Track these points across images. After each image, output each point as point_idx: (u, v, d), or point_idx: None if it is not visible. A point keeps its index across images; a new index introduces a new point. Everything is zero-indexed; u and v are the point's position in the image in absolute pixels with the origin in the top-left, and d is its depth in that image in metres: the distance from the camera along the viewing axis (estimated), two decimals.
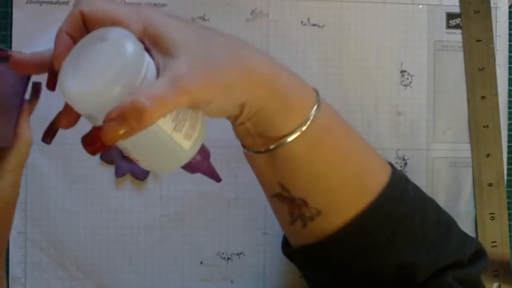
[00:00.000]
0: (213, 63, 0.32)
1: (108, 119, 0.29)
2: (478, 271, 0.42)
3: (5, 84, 0.40)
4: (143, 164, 0.35)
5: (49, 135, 0.37)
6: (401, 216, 0.39)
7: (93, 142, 0.31)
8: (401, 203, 0.40)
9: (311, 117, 0.36)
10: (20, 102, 0.42)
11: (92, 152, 0.32)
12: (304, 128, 0.36)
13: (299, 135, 0.36)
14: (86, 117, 0.33)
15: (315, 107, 0.37)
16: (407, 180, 0.42)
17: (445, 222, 0.42)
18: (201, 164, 0.38)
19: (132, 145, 0.33)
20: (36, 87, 0.43)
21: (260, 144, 0.37)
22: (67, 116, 0.35)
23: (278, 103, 0.35)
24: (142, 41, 0.32)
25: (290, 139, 0.36)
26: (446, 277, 0.39)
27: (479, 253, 0.43)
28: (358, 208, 0.39)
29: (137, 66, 0.30)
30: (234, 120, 0.37)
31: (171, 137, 0.33)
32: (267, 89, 0.35)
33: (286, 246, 0.46)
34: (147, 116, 0.29)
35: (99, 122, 0.31)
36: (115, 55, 0.30)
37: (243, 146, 0.39)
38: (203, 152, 0.38)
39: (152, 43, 0.32)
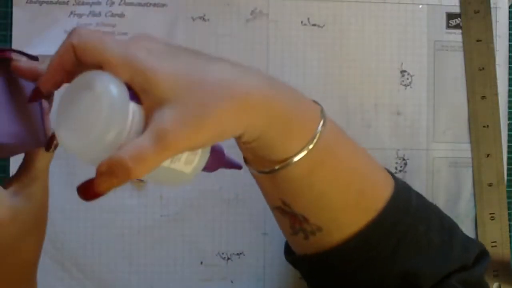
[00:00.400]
0: (203, 110, 0.31)
1: (99, 172, 0.31)
2: (482, 272, 0.42)
3: (25, 84, 0.40)
4: (152, 183, 0.36)
5: (51, 145, 0.39)
6: (405, 227, 0.39)
7: (87, 192, 0.33)
8: (406, 213, 0.39)
9: (317, 135, 0.36)
10: (39, 102, 0.42)
11: (88, 199, 0.33)
12: (310, 146, 0.35)
13: (301, 158, 0.35)
14: (89, 163, 0.35)
15: (319, 127, 0.36)
16: (409, 190, 0.42)
17: (448, 228, 0.42)
18: (216, 164, 0.38)
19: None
20: None
21: (262, 165, 0.37)
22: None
23: (279, 128, 0.34)
24: (129, 87, 0.32)
25: (296, 159, 0.35)
26: (450, 280, 0.39)
27: (482, 254, 0.43)
28: (360, 224, 0.38)
29: (123, 116, 0.31)
30: (238, 139, 0.36)
31: (170, 168, 0.34)
32: (266, 116, 0.34)
33: (289, 252, 0.45)
34: (133, 174, 0.30)
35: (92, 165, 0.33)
36: (102, 106, 0.31)
37: (245, 161, 0.39)
38: (215, 154, 0.38)
39: (140, 90, 0.32)
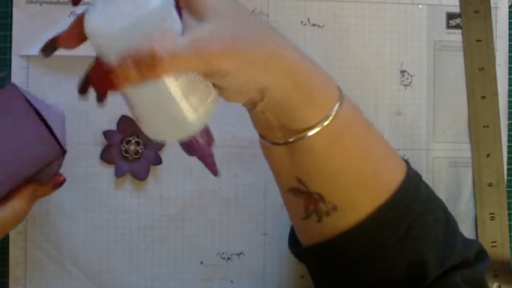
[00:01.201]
0: (239, 36, 0.32)
1: (121, 60, 0.29)
2: (483, 271, 0.42)
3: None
4: (143, 125, 0.35)
5: (48, 48, 0.36)
6: (416, 213, 0.39)
7: (102, 81, 0.31)
8: (416, 200, 0.40)
9: (334, 113, 0.36)
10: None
11: (98, 87, 0.32)
12: (326, 123, 0.36)
13: (320, 130, 0.36)
14: (99, 54, 0.33)
15: (338, 104, 0.37)
16: (420, 179, 0.42)
17: (452, 222, 0.42)
18: (201, 148, 0.37)
19: (137, 99, 0.33)
20: None
21: (280, 136, 0.37)
22: (72, 34, 0.34)
23: (302, 95, 0.35)
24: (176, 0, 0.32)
25: (311, 133, 0.36)
26: (455, 278, 0.39)
27: (482, 254, 0.44)
28: (374, 204, 0.39)
29: (162, 18, 0.31)
30: (253, 107, 0.36)
31: (177, 102, 0.33)
32: (292, 80, 0.35)
33: (294, 244, 0.45)
34: (159, 66, 0.29)
35: (112, 60, 0.31)
36: (144, 3, 0.31)
37: (261, 136, 0.39)
38: (207, 135, 0.37)
39: (185, 3, 0.32)
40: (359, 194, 0.39)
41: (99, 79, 0.31)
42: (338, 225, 0.39)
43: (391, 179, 0.40)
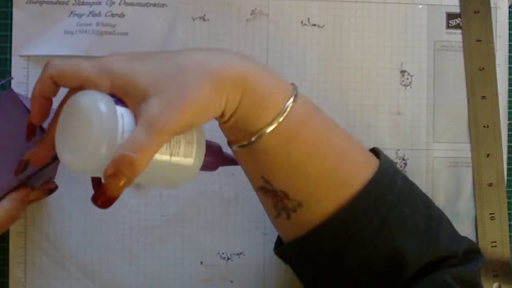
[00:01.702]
0: (183, 93, 0.34)
1: (106, 176, 0.33)
2: (476, 270, 0.42)
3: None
4: (160, 187, 0.38)
5: (20, 170, 0.43)
6: (390, 204, 0.40)
7: (101, 198, 0.35)
8: (390, 192, 0.41)
9: (287, 109, 0.38)
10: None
11: (104, 206, 0.36)
12: (280, 119, 0.38)
13: (275, 128, 0.38)
14: (94, 175, 0.38)
15: (290, 100, 0.38)
16: (396, 172, 0.43)
17: (436, 217, 0.43)
18: (215, 161, 0.41)
19: (143, 181, 0.37)
20: None
21: (241, 139, 0.39)
22: (40, 155, 0.40)
23: (251, 99, 0.37)
24: (113, 95, 0.35)
25: (267, 130, 0.38)
26: (445, 276, 0.39)
27: (476, 252, 0.43)
28: (338, 199, 0.40)
29: (113, 123, 0.34)
30: (219, 120, 0.39)
31: (171, 162, 0.36)
32: (240, 88, 0.36)
33: (278, 245, 0.47)
34: (137, 165, 0.33)
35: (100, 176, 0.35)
36: (92, 121, 0.34)
37: (229, 143, 0.41)
38: (211, 150, 0.41)
39: (122, 94, 0.35)
40: (321, 189, 0.40)
41: (98, 199, 0.36)
42: (307, 220, 0.41)
43: (354, 174, 0.40)
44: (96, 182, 0.42)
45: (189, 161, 0.37)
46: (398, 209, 0.40)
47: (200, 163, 0.38)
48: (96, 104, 0.34)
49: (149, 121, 0.33)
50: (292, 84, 0.40)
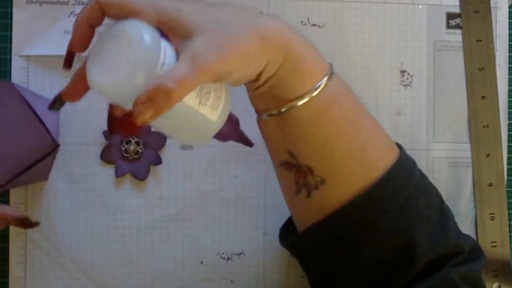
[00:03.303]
0: (228, 38, 0.34)
1: (137, 103, 0.32)
2: (479, 269, 0.42)
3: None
4: (177, 139, 0.38)
5: (55, 104, 0.39)
6: (408, 195, 0.40)
7: (126, 125, 0.34)
8: (408, 183, 0.41)
9: (322, 85, 0.38)
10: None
11: (127, 133, 0.34)
12: (314, 94, 0.38)
13: (308, 101, 0.38)
14: (111, 102, 0.37)
15: (326, 77, 0.39)
16: (414, 165, 0.43)
17: (446, 212, 0.43)
18: (232, 132, 0.41)
19: (163, 124, 0.36)
20: None
21: (272, 107, 0.39)
22: (75, 89, 0.37)
23: (292, 66, 0.37)
24: (158, 29, 0.35)
25: (300, 102, 0.38)
26: (451, 275, 0.39)
27: (479, 251, 0.44)
28: (362, 181, 0.40)
29: (155, 53, 0.33)
30: (252, 85, 0.39)
31: (198, 111, 0.36)
32: (283, 52, 0.37)
33: (286, 237, 0.46)
34: (173, 96, 0.32)
35: (127, 106, 0.34)
36: (134, 47, 0.33)
37: (257, 112, 0.41)
38: (232, 120, 0.40)
39: (167, 29, 0.35)
40: (346, 168, 0.40)
41: (122, 125, 0.34)
42: (327, 200, 0.41)
43: (380, 158, 0.41)
44: (112, 118, 0.39)
45: (215, 115, 0.37)
46: (414, 200, 0.41)
47: (222, 122, 0.38)
48: (141, 31, 0.33)
49: (192, 57, 0.33)
50: (329, 63, 0.41)
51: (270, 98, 0.39)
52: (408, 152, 0.44)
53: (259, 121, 0.42)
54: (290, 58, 0.37)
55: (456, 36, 0.59)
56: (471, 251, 0.42)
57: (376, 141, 0.42)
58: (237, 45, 0.34)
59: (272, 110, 0.39)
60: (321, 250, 0.43)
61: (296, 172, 0.41)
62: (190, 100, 0.35)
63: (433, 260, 0.40)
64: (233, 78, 0.36)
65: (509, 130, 0.59)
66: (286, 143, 0.40)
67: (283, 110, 0.39)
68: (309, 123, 0.39)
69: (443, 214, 0.42)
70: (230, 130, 0.41)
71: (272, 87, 0.38)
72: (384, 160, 0.41)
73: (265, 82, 0.38)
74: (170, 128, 0.37)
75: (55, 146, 0.48)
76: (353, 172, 0.40)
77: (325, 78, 0.39)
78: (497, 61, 0.59)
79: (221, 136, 0.40)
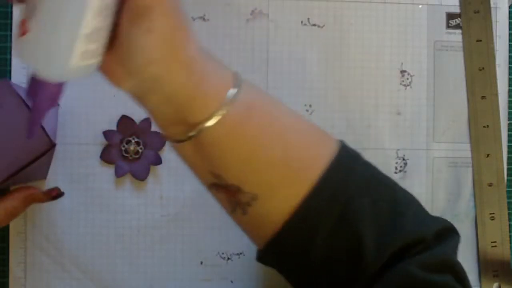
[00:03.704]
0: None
1: None
2: (446, 251, 0.39)
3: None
4: (28, 38, 0.33)
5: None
6: (346, 199, 0.38)
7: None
8: (348, 183, 0.39)
9: (229, 101, 0.36)
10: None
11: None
12: (222, 112, 0.35)
13: (219, 120, 0.35)
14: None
15: (231, 90, 0.36)
16: (356, 160, 0.41)
17: (403, 201, 0.40)
18: (43, 99, 0.34)
19: (46, 5, 0.31)
20: None
21: (181, 132, 0.36)
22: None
23: (195, 84, 0.35)
24: None
25: (208, 124, 0.35)
26: (409, 265, 0.37)
27: (449, 231, 0.41)
28: (296, 189, 0.38)
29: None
30: (142, 99, 0.36)
31: (77, 35, 0.30)
32: (187, 69, 0.34)
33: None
34: None
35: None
36: None
37: (166, 138, 0.38)
38: (57, 93, 0.34)
39: None
40: (274, 177, 0.38)
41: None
42: (264, 215, 0.39)
43: (311, 160, 0.38)
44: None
45: (78, 58, 0.31)
46: (355, 203, 0.38)
47: (71, 74, 0.32)
48: None
49: None
50: (236, 72, 0.38)
51: (177, 122, 0.36)
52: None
53: (173, 147, 0.39)
54: (194, 76, 0.34)
55: (456, 36, 0.59)
56: (438, 235, 0.40)
57: (304, 144, 0.39)
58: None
59: (182, 136, 0.36)
60: (281, 263, 0.41)
61: (226, 193, 0.39)
62: (89, 21, 0.30)
63: (391, 257, 0.38)
64: (128, 47, 0.32)
65: (509, 130, 0.59)
66: (207, 165, 0.38)
67: (192, 134, 0.36)
68: (224, 142, 0.36)
69: (397, 204, 0.39)
70: (45, 98, 0.34)
71: (176, 110, 0.35)
72: (317, 161, 0.38)
73: (164, 102, 0.35)
74: (39, 20, 0.32)
75: (52, 145, 0.48)
76: (282, 180, 0.38)
77: (231, 92, 0.36)
78: (497, 61, 0.59)
79: (35, 89, 0.33)
